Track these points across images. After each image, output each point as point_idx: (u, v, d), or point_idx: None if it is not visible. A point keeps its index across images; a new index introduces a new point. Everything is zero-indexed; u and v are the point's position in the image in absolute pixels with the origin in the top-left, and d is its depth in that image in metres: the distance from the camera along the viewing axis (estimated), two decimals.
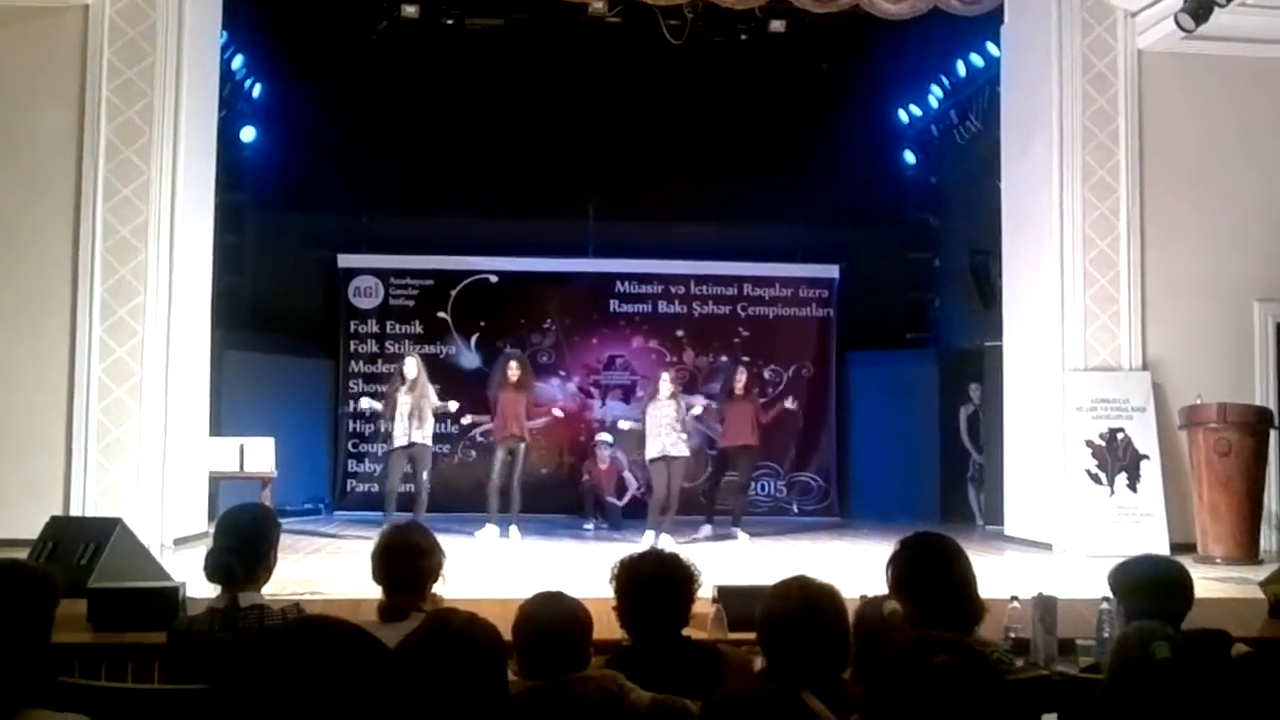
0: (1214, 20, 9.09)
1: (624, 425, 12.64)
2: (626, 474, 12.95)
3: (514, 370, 11.22)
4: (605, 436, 13.29)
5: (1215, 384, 9.44)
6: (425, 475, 10.60)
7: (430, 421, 10.64)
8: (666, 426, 10.54)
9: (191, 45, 9.51)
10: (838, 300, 14.45)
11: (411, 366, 10.74)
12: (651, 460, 10.67)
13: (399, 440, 10.55)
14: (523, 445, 11.07)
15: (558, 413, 12.30)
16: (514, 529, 10.82)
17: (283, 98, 13.43)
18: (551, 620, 3.06)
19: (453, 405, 11.01)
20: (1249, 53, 9.95)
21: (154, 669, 4.61)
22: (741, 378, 11.45)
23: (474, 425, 12.49)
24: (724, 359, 13.85)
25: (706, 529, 11.19)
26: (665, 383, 10.78)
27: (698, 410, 11.01)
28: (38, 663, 2.73)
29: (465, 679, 2.46)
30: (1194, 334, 9.87)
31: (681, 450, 10.59)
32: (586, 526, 12.25)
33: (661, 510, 10.48)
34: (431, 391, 10.71)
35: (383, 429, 11.62)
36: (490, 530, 10.69)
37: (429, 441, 10.70)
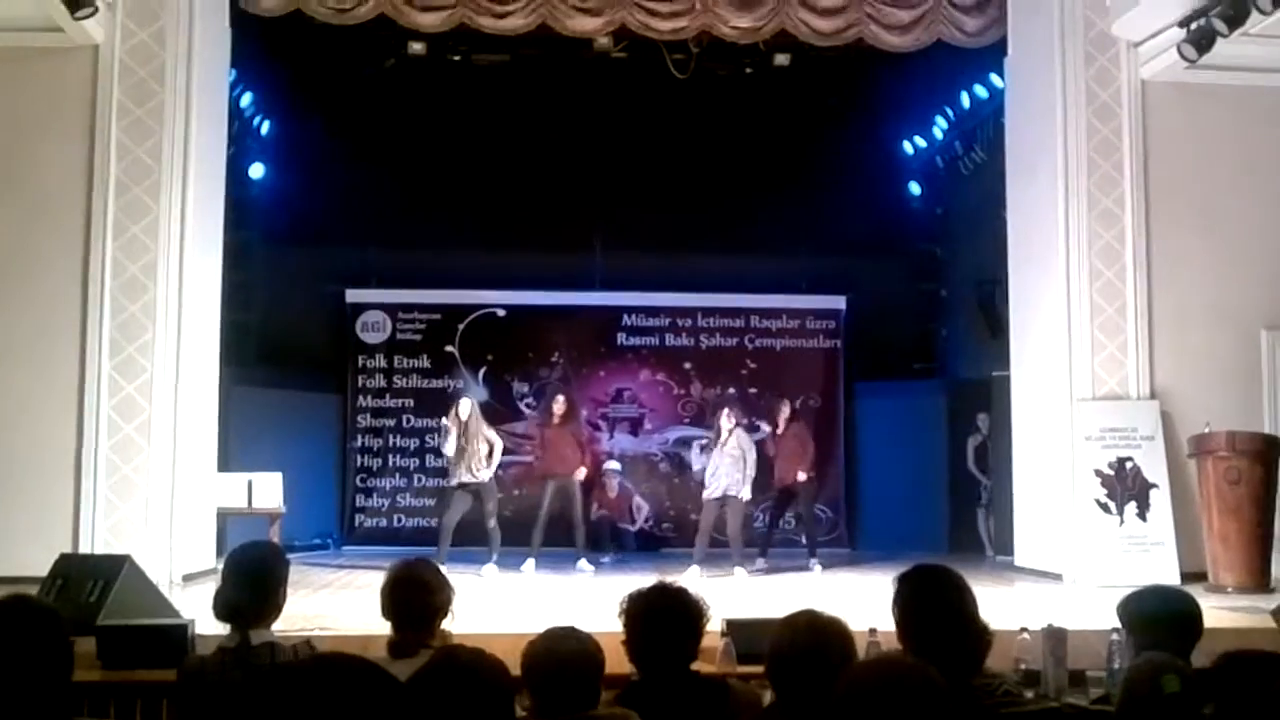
0: (1217, 50, 9.14)
1: (612, 466, 12.82)
2: (637, 499, 12.94)
3: (559, 405, 11.35)
4: (613, 465, 13.30)
5: (1224, 412, 9.43)
6: (488, 506, 10.75)
7: (484, 461, 10.78)
8: (728, 465, 10.64)
9: (200, 84, 9.58)
10: (845, 331, 14.47)
11: (465, 409, 10.84)
12: (711, 499, 10.75)
13: (457, 478, 10.77)
14: (576, 481, 11.12)
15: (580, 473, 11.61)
16: (585, 562, 10.99)
17: (291, 134, 13.52)
18: (562, 657, 3.05)
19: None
20: (1253, 82, 9.98)
21: (162, 707, 4.61)
22: (785, 411, 11.52)
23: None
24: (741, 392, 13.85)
25: (761, 562, 11.21)
26: (726, 419, 10.88)
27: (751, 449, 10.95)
28: (57, 703, 2.73)
29: (473, 715, 2.46)
30: (1202, 362, 9.86)
31: (745, 492, 10.70)
32: (604, 559, 12.24)
33: (710, 545, 10.69)
34: (485, 431, 10.83)
35: (395, 460, 11.63)
36: (529, 565, 10.76)
37: (484, 478, 10.80)
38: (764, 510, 12.56)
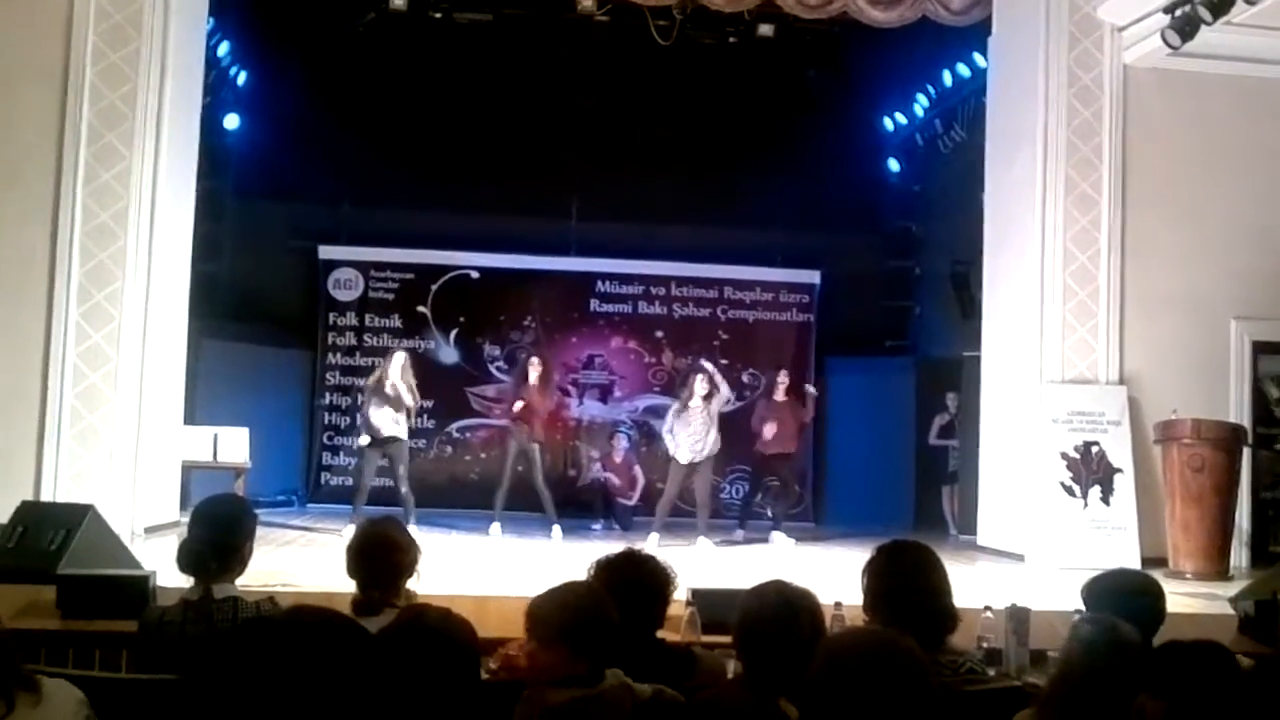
0: (1200, 38, 9.15)
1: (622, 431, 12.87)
2: (637, 469, 12.92)
3: (535, 367, 11.31)
4: (624, 431, 13.32)
5: (1190, 400, 9.50)
6: (403, 469, 10.51)
7: (404, 417, 10.54)
8: (701, 429, 10.48)
9: (177, 31, 9.46)
10: (818, 305, 14.48)
11: (396, 363, 10.59)
12: (682, 464, 10.54)
13: (377, 433, 10.46)
14: (535, 444, 11.07)
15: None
16: (556, 528, 10.84)
17: (268, 86, 13.35)
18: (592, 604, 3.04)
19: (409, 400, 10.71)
20: (1234, 71, 10.00)
21: (122, 658, 4.58)
22: (784, 380, 11.41)
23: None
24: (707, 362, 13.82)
25: (740, 533, 11.23)
26: (701, 383, 10.66)
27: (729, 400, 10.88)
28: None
29: (440, 673, 2.45)
30: (1171, 350, 9.92)
31: (713, 449, 10.54)
32: (594, 526, 12.20)
33: (669, 513, 10.59)
34: (406, 390, 10.59)
35: (358, 420, 11.55)
36: (495, 528, 10.72)
37: (405, 436, 10.60)
38: (736, 480, 12.56)
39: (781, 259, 14.51)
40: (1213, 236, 10.02)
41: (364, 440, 10.65)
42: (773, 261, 14.51)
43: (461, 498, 12.83)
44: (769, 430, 11.26)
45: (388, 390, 10.37)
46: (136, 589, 5.02)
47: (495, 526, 10.75)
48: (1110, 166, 9.98)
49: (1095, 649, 2.86)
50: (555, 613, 2.94)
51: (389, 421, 10.40)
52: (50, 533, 5.93)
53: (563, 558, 9.08)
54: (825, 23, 11.19)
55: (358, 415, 11.16)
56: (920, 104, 14.06)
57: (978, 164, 11.21)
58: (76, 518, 6.10)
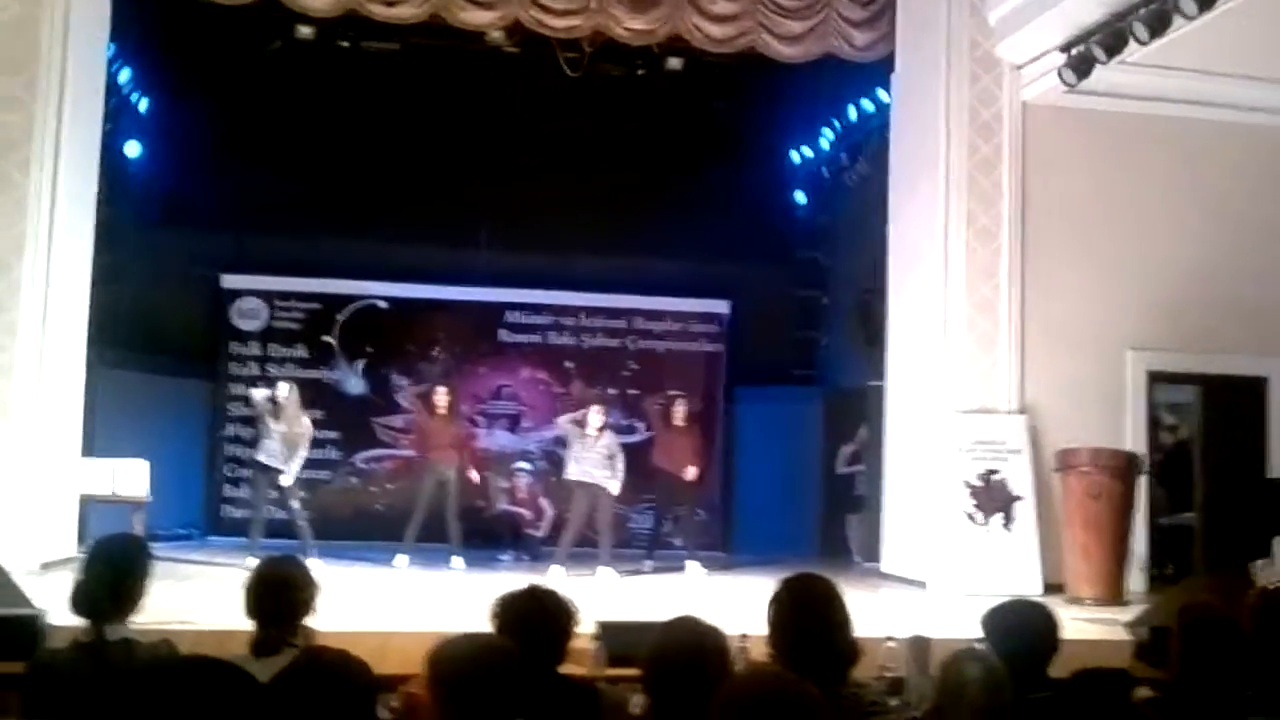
0: (1096, 76, 9.41)
1: (523, 465, 12.79)
2: (543, 500, 12.86)
3: (442, 397, 11.21)
4: (524, 464, 13.24)
5: (1088, 429, 9.72)
6: (297, 504, 10.40)
7: (303, 452, 10.49)
8: (596, 460, 10.51)
9: (77, 57, 9.28)
10: (728, 336, 14.58)
11: (284, 391, 10.55)
12: (578, 483, 10.57)
13: (269, 464, 10.38)
14: (451, 473, 10.96)
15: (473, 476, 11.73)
16: (458, 559, 10.74)
17: (171, 113, 13.13)
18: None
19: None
20: (1130, 109, 10.27)
21: (13, 700, 4.45)
22: (681, 409, 11.44)
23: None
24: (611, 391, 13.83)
25: (649, 564, 11.21)
26: (596, 414, 10.72)
27: (618, 454, 10.78)
28: None
29: (336, 716, 2.42)
30: (1069, 379, 10.12)
31: (613, 487, 10.57)
32: (502, 557, 12.10)
33: (574, 543, 10.52)
34: (305, 420, 10.53)
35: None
36: (402, 560, 10.57)
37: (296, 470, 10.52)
38: (642, 511, 12.56)
39: (691, 289, 14.59)
40: (1110, 269, 10.26)
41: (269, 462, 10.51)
42: (682, 292, 14.59)
43: (367, 530, 12.68)
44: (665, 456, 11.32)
45: (281, 420, 10.29)
46: (25, 629, 4.89)
47: (402, 558, 10.63)
48: (1010, 200, 10.19)
49: (969, 688, 2.95)
50: (448, 670, 2.88)
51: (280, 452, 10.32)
52: None
53: (469, 590, 8.99)
54: (733, 57, 11.30)
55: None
56: (826, 138, 14.26)
57: (883, 196, 11.36)
58: None
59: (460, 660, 2.88)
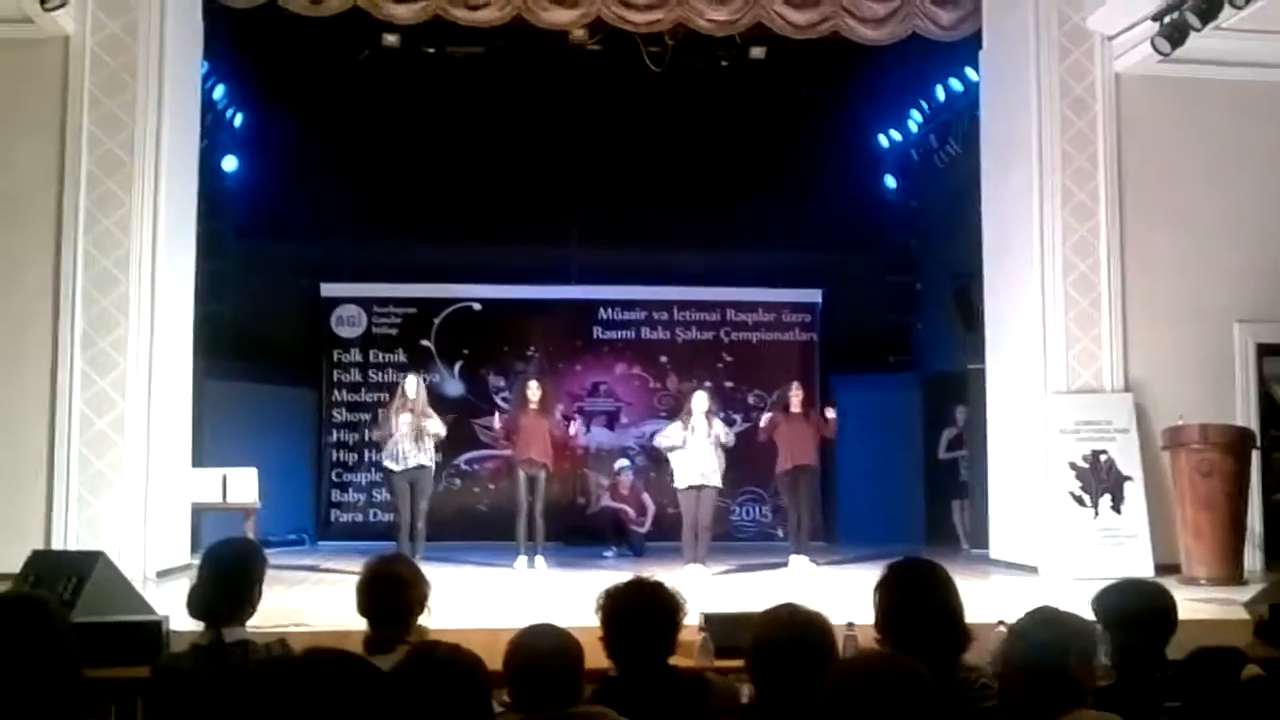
0: (1190, 43, 9.18)
1: (623, 463, 12.80)
2: (645, 496, 12.91)
3: (534, 391, 11.08)
4: (624, 462, 13.31)
5: (1197, 405, 9.49)
6: (425, 503, 10.50)
7: (431, 444, 10.57)
8: (703, 451, 10.34)
9: (172, 75, 9.51)
10: (821, 324, 14.49)
11: (412, 386, 10.69)
12: (684, 489, 10.42)
13: (404, 463, 10.48)
14: (543, 472, 10.87)
15: (576, 428, 12.10)
16: (540, 559, 10.67)
17: (264, 127, 13.43)
18: (541, 653, 3.03)
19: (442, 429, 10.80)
20: (1225, 76, 10.03)
21: (136, 705, 4.57)
22: (798, 394, 11.23)
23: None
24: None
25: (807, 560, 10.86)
26: (700, 400, 10.56)
27: (731, 440, 10.62)
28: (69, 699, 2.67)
29: (450, 710, 2.45)
30: (1175, 355, 9.91)
31: (716, 481, 10.42)
32: (606, 554, 12.14)
33: (695, 538, 10.31)
34: (434, 414, 10.66)
35: (371, 455, 11.54)
36: (521, 561, 10.59)
37: (431, 464, 10.62)
38: (756, 502, 12.43)
39: (783, 279, 14.51)
40: (1212, 240, 10.02)
41: (395, 467, 10.60)
42: (774, 282, 14.52)
43: (472, 530, 12.82)
44: (765, 423, 11.06)
45: (412, 416, 10.43)
46: (150, 634, 5.01)
47: (521, 560, 10.59)
48: (1106, 175, 10.00)
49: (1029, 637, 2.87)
50: (510, 659, 2.99)
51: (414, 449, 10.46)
52: (62, 581, 5.90)
53: (576, 586, 9.04)
54: (816, 43, 11.21)
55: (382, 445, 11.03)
56: (915, 120, 14.10)
57: (974, 178, 11.23)
58: (88, 565, 6.07)
59: (521, 650, 3.00)
